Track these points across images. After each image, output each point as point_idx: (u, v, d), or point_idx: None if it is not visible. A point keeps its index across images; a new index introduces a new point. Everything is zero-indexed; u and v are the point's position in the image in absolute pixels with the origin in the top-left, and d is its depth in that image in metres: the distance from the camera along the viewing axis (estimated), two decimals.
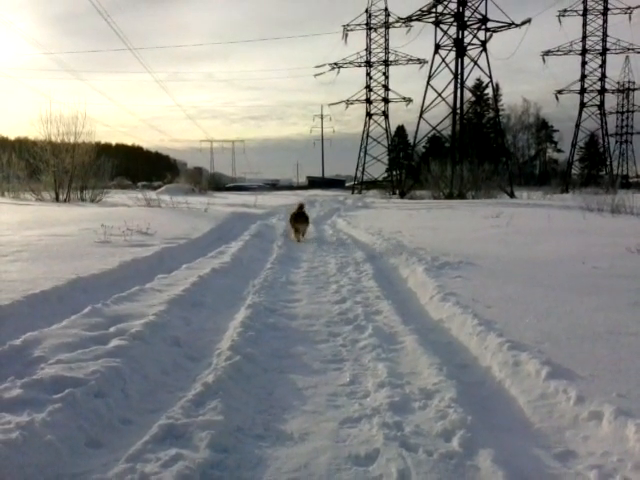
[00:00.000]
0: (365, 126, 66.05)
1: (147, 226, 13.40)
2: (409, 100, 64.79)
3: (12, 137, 51.35)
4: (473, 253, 10.51)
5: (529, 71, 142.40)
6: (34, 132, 32.17)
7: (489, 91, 61.48)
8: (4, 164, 31.87)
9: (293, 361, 5.27)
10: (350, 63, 65.18)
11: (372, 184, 67.45)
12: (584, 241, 12.40)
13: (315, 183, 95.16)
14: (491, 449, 3.31)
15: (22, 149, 32.15)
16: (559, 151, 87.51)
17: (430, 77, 49.56)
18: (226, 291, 8.08)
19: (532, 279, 8.13)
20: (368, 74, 65.86)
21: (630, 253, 10.11)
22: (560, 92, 65.36)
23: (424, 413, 3.95)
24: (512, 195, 44.39)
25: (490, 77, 49.30)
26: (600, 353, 4.82)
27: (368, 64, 65.32)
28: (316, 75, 65.00)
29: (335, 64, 64.45)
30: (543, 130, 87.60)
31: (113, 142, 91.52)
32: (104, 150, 35.74)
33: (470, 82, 55.38)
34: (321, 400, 4.28)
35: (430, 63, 50.49)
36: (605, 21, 62.18)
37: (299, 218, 14.97)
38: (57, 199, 30.08)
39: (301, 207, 15.33)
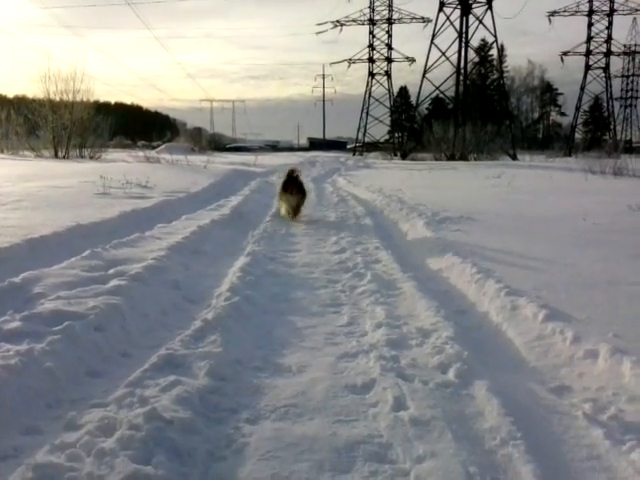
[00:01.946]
0: (367, 86, 65.25)
1: (146, 180, 13.36)
2: (412, 60, 63.75)
3: (10, 95, 50.83)
4: (474, 210, 10.48)
5: (534, 33, 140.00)
6: (33, 90, 31.88)
7: (494, 52, 60.39)
8: (3, 121, 31.57)
9: (292, 304, 5.29)
10: (353, 21, 63.98)
11: (374, 146, 66.93)
12: (585, 200, 12.36)
13: (316, 145, 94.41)
14: (486, 381, 3.35)
15: (21, 106, 31.84)
16: (563, 115, 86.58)
17: (434, 36, 48.81)
18: (225, 241, 8.08)
19: (532, 233, 8.12)
20: (371, 32, 64.71)
21: (631, 211, 10.08)
22: (565, 54, 64.34)
23: (421, 349, 3.98)
24: (514, 158, 44.12)
25: (495, 37, 48.50)
26: (598, 300, 4.84)
27: (371, 22, 64.10)
28: (318, 33, 63.86)
29: (337, 22, 63.28)
30: (547, 93, 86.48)
31: (112, 101, 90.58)
32: (103, 108, 35.40)
33: (475, 42, 54.38)
34: (319, 338, 4.32)
35: (434, 21, 49.67)
36: None
37: (290, 187, 10.48)
38: (56, 156, 29.90)
39: (292, 172, 10.88)
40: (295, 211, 10.60)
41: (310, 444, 2.72)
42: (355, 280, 6.05)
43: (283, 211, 10.77)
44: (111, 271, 5.34)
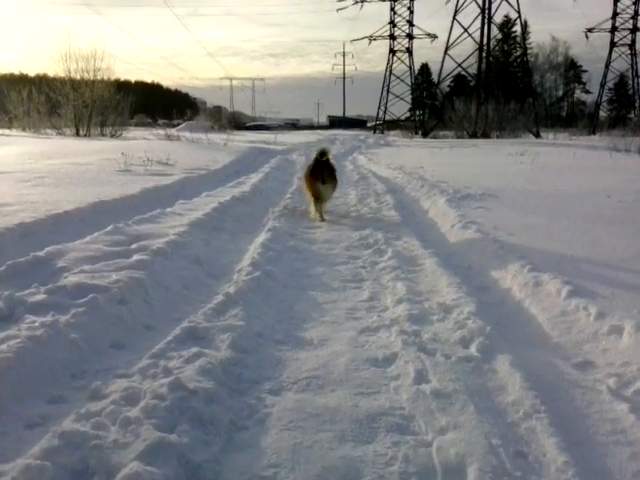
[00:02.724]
0: (388, 63, 64.60)
1: (167, 157, 13.41)
2: (434, 36, 62.89)
3: (32, 74, 51.08)
4: (496, 187, 10.36)
5: (559, 9, 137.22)
6: (53, 68, 32.05)
7: (517, 28, 59.53)
8: (24, 99, 31.73)
9: (313, 280, 5.29)
10: None
11: (394, 124, 66.41)
12: (610, 178, 12.16)
13: (336, 123, 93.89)
14: (509, 355, 3.33)
15: (42, 85, 32.00)
16: (587, 92, 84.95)
17: (456, 12, 48.11)
18: (246, 217, 8.09)
19: (556, 211, 8.01)
20: (392, 9, 63.83)
21: None
22: (590, 30, 62.88)
23: (443, 324, 3.97)
24: (538, 135, 43.51)
25: (519, 13, 47.70)
26: (622, 276, 4.77)
27: None
28: (338, 10, 63.44)
29: None
30: (572, 70, 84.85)
31: (132, 79, 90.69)
32: (123, 87, 35.43)
33: (498, 19, 53.46)
34: (340, 313, 4.32)
35: None
36: None
37: (321, 172, 8.20)
38: (77, 134, 30.07)
39: (323, 154, 8.51)
40: (325, 204, 8.44)
41: (332, 415, 2.73)
42: (376, 256, 6.04)
43: (313, 210, 8.33)
44: (134, 246, 5.37)
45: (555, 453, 2.39)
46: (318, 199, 8.22)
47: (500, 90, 47.91)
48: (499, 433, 2.53)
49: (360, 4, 62.86)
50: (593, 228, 6.72)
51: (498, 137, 39.80)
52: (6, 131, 29.60)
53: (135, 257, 4.96)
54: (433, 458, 2.39)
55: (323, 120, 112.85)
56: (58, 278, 4.31)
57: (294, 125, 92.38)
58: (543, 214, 7.72)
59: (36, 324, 3.40)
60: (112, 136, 29.84)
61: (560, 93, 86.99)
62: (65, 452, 2.28)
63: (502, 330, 3.92)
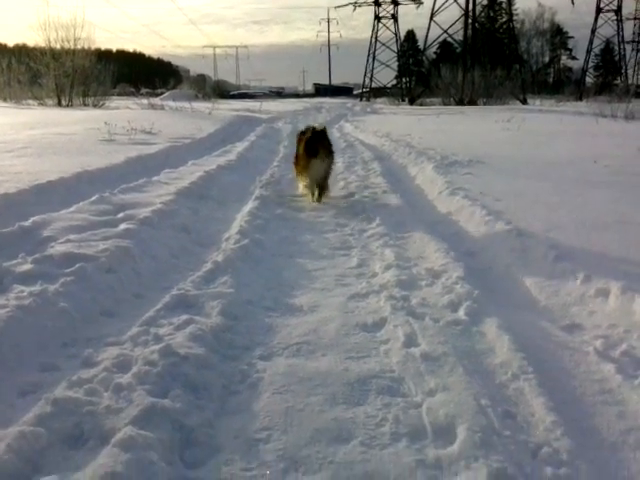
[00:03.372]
0: (373, 30, 63.73)
1: (151, 126, 13.27)
2: (419, 2, 61.90)
3: (11, 44, 49.93)
4: (483, 153, 10.36)
5: None
6: (33, 38, 31.41)
7: None
8: (4, 69, 31.16)
9: (301, 247, 5.29)
10: None
11: (381, 91, 65.87)
12: (596, 143, 12.21)
13: (322, 91, 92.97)
14: (497, 319, 3.36)
15: (22, 55, 31.38)
16: (574, 59, 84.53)
17: None
18: (233, 186, 8.04)
19: (542, 176, 8.04)
20: None
21: None
22: None
23: (431, 289, 4.00)
24: (524, 102, 43.39)
25: None
26: (608, 240, 4.81)
27: None
28: None
29: None
30: (558, 36, 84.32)
31: (114, 48, 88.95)
32: (105, 56, 34.84)
33: None
34: (329, 280, 4.33)
35: None
36: None
37: (317, 148, 6.89)
38: (59, 104, 29.61)
39: (317, 129, 7.16)
40: (322, 187, 7.12)
41: (323, 379, 2.76)
42: (364, 224, 6.04)
43: (303, 188, 7.24)
44: (120, 215, 5.34)
45: (543, 413, 2.43)
46: (310, 176, 6.92)
47: (486, 57, 47.58)
48: (488, 394, 2.57)
49: None
50: (580, 193, 6.76)
51: (485, 104, 39.66)
52: None
53: (122, 226, 4.93)
54: (423, 419, 2.43)
55: (309, 88, 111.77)
56: (45, 248, 4.28)
57: (279, 93, 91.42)
58: (530, 180, 7.75)
59: (24, 293, 3.39)
60: (95, 106, 29.39)
61: (546, 59, 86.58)
62: (59, 418, 2.29)
63: (490, 294, 3.96)
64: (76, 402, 2.40)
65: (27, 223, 4.80)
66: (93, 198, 5.89)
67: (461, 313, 3.50)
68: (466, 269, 4.34)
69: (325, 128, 7.17)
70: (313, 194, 7.11)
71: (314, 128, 7.10)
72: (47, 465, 2.09)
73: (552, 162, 9.33)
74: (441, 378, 2.71)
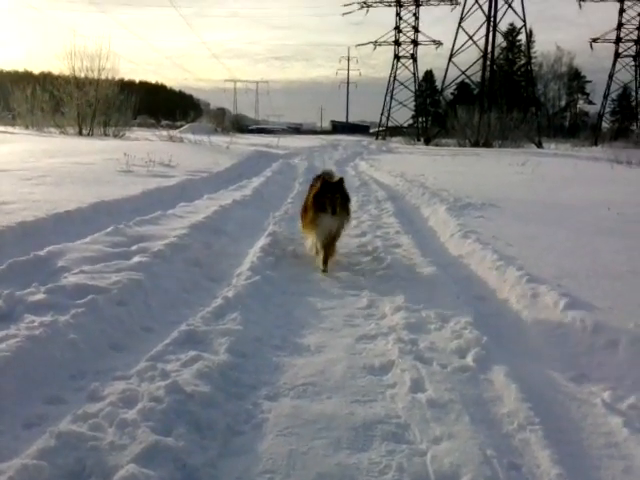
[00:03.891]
0: (392, 69, 64.62)
1: (169, 159, 13.45)
2: (439, 43, 62.94)
3: (36, 71, 51.16)
4: (496, 196, 10.39)
5: (564, 18, 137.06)
6: (58, 67, 32.13)
7: (522, 37, 59.60)
8: (28, 97, 31.83)
9: (311, 286, 5.32)
10: (380, 2, 63.23)
11: (397, 130, 66.48)
12: (610, 190, 12.19)
13: (339, 128, 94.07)
14: (505, 366, 3.34)
15: (46, 83, 32.09)
16: (590, 103, 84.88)
17: (462, 19, 48.25)
18: (247, 221, 8.10)
19: (555, 221, 8.04)
20: (398, 14, 63.88)
21: None
22: (595, 40, 62.87)
23: (440, 333, 3.99)
24: (540, 145, 43.61)
25: (524, 21, 47.86)
26: (620, 289, 4.79)
27: (398, 4, 63.23)
28: (344, 14, 63.28)
29: (364, 3, 62.57)
30: (575, 80, 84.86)
31: (137, 79, 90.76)
32: (127, 86, 35.50)
33: (503, 27, 53.64)
34: (338, 320, 4.34)
35: (462, 4, 49.00)
36: None
37: (331, 200, 5.75)
38: (80, 133, 30.13)
39: (327, 177, 6.09)
40: (329, 249, 5.94)
41: (328, 422, 2.75)
42: (375, 264, 6.06)
43: (311, 246, 6.18)
44: (134, 247, 5.39)
45: (549, 465, 2.41)
46: (319, 233, 5.81)
47: (503, 99, 48.00)
48: (493, 444, 2.55)
49: (366, 9, 63.02)
50: (592, 240, 6.75)
51: (500, 146, 39.86)
52: (9, 128, 29.70)
53: (135, 259, 4.98)
54: (427, 467, 2.41)
55: (326, 125, 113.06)
56: (58, 278, 4.33)
57: (297, 129, 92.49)
58: (543, 225, 7.75)
59: (35, 324, 3.42)
60: (115, 136, 29.89)
61: (563, 103, 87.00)
62: (62, 453, 2.30)
63: (499, 341, 3.94)
64: (80, 437, 2.41)
65: (42, 252, 4.87)
66: (108, 229, 5.96)
67: (469, 359, 3.49)
68: (475, 314, 4.34)
69: (342, 180, 5.89)
70: (317, 255, 5.98)
71: (329, 176, 6.01)
72: None
73: (565, 207, 9.34)
74: (447, 426, 2.70)
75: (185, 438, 2.44)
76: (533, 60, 64.20)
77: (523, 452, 2.55)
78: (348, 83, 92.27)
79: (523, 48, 64.46)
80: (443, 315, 4.36)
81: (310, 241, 6.10)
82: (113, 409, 2.65)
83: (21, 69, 62.55)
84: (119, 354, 3.49)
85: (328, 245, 5.87)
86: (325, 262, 5.87)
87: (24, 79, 36.23)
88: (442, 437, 2.61)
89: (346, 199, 5.96)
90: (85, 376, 3.14)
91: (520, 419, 2.78)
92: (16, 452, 2.32)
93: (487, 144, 40.23)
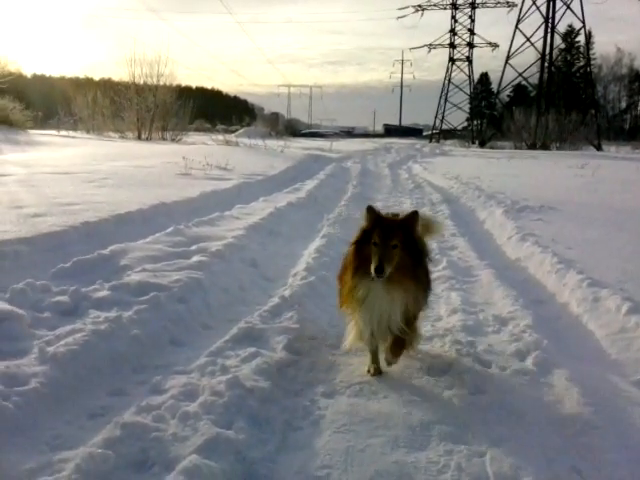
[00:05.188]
0: (447, 72, 64.11)
1: (226, 162, 13.67)
2: (495, 45, 62.12)
3: (96, 78, 52.86)
4: (555, 199, 10.16)
5: (624, 19, 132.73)
6: (118, 73, 33.21)
7: (580, 39, 57.95)
8: (89, 102, 32.94)
9: None
10: (435, 5, 62.83)
11: (451, 133, 65.79)
12: None
13: (391, 131, 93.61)
14: (566, 370, 3.27)
15: (107, 89, 33.13)
16: None
17: (519, 21, 47.38)
18: (301, 223, 8.17)
19: (617, 225, 7.81)
20: (453, 17, 63.42)
21: None
22: None
23: (498, 336, 3.93)
24: (599, 148, 42.34)
25: (583, 22, 46.57)
26: None
27: (454, 6, 62.75)
28: (398, 18, 63.14)
29: (419, 6, 62.30)
30: (636, 82, 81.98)
31: (193, 85, 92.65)
32: (184, 92, 36.29)
33: (561, 28, 52.37)
34: None
35: (519, 6, 48.11)
36: None
37: (378, 246, 3.10)
38: (139, 137, 30.95)
39: (374, 216, 3.23)
40: (398, 340, 3.27)
41: (385, 420, 2.75)
42: (430, 266, 5.99)
43: (354, 338, 3.41)
44: (193, 247, 5.51)
45: (610, 469, 2.35)
46: (370, 322, 3.24)
47: (561, 101, 46.87)
48: (554, 447, 2.50)
49: (421, 12, 62.70)
50: None
51: (558, 149, 38.95)
52: (71, 133, 30.74)
53: (194, 258, 5.09)
54: (487, 468, 2.38)
55: (379, 128, 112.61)
56: (121, 276, 4.47)
57: (349, 133, 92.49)
58: (603, 228, 7.54)
59: (100, 319, 3.55)
60: (172, 140, 30.57)
61: (623, 105, 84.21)
62: (126, 442, 2.38)
63: (559, 344, 3.85)
64: (144, 428, 2.49)
65: (106, 251, 5.03)
66: (169, 230, 6.11)
67: (529, 363, 3.43)
68: (535, 317, 4.26)
69: (415, 215, 3.26)
70: (373, 354, 3.39)
71: (388, 218, 3.31)
72: None
73: (627, 211, 9.06)
74: (507, 428, 2.66)
75: (245, 432, 2.49)
76: (592, 62, 62.40)
77: (586, 456, 2.49)
78: (402, 86, 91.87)
79: (582, 49, 62.74)
80: (501, 318, 4.29)
81: (352, 328, 3.38)
82: (175, 402, 2.72)
83: (82, 75, 64.74)
84: (180, 349, 3.58)
85: (386, 335, 3.24)
86: (390, 360, 3.31)
87: (85, 85, 37.53)
88: (501, 439, 2.57)
89: (418, 252, 3.26)
90: (147, 370, 3.24)
91: (582, 422, 2.72)
92: (82, 441, 2.42)
93: (544, 146, 39.37)
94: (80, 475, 2.15)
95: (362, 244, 3.17)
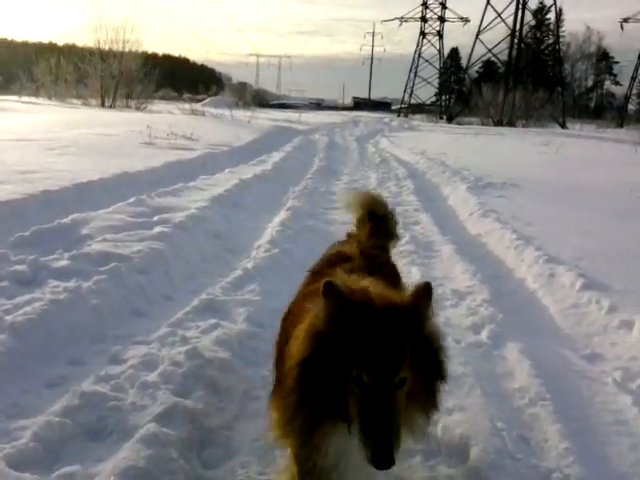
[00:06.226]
0: (417, 46, 63.81)
1: (191, 132, 13.49)
2: (466, 20, 61.84)
3: (60, 43, 51.32)
4: (518, 176, 10.32)
5: None
6: (82, 39, 32.34)
7: (551, 16, 58.32)
8: (52, 68, 32.06)
9: None
10: None
11: (419, 108, 65.80)
12: (634, 172, 12.05)
13: (360, 105, 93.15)
14: (519, 343, 3.38)
15: (70, 54, 32.28)
16: (617, 84, 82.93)
17: None
18: (266, 195, 8.15)
19: (576, 203, 8.00)
20: None
21: None
22: (626, 20, 61.20)
23: (455, 310, 4.03)
24: (564, 126, 42.95)
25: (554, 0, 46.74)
26: (636, 272, 4.80)
27: None
28: None
29: None
30: (603, 61, 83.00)
31: (160, 52, 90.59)
32: (151, 59, 35.54)
33: (532, 5, 52.51)
34: None
35: None
36: None
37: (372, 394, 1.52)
38: (103, 105, 30.29)
39: (342, 306, 1.57)
40: None
41: None
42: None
43: None
44: (155, 218, 5.48)
45: (557, 439, 2.46)
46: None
47: (529, 78, 47.28)
48: (504, 417, 2.60)
49: None
50: (611, 222, 6.71)
51: (524, 126, 39.39)
52: (33, 99, 29.89)
53: (157, 229, 5.07)
54: (438, 436, 2.46)
55: (348, 101, 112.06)
56: (82, 245, 4.43)
57: (318, 105, 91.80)
58: (563, 206, 7.71)
59: (59, 289, 3.53)
60: (137, 108, 30.00)
61: (590, 83, 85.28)
62: (85, 411, 2.40)
63: (514, 319, 3.97)
64: (102, 397, 2.51)
65: (66, 220, 4.97)
66: (131, 200, 6.05)
67: (483, 336, 3.53)
68: (492, 292, 4.37)
69: (428, 292, 1.66)
70: None
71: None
72: (70, 456, 2.18)
73: (587, 189, 9.26)
74: (459, 399, 2.75)
75: (204, 401, 2.53)
76: (561, 39, 62.94)
77: (533, 426, 2.59)
78: (372, 59, 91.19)
79: (552, 27, 63.18)
80: (459, 292, 4.39)
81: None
82: (134, 372, 2.74)
83: (45, 41, 62.86)
84: (140, 320, 3.58)
85: None
86: None
87: (49, 51, 36.47)
88: (453, 409, 2.66)
89: (434, 369, 1.70)
90: (106, 340, 3.24)
91: (531, 394, 2.83)
92: (40, 410, 2.42)
93: (511, 123, 39.79)
94: (37, 443, 2.16)
95: (316, 368, 1.58)
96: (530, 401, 2.78)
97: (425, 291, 1.62)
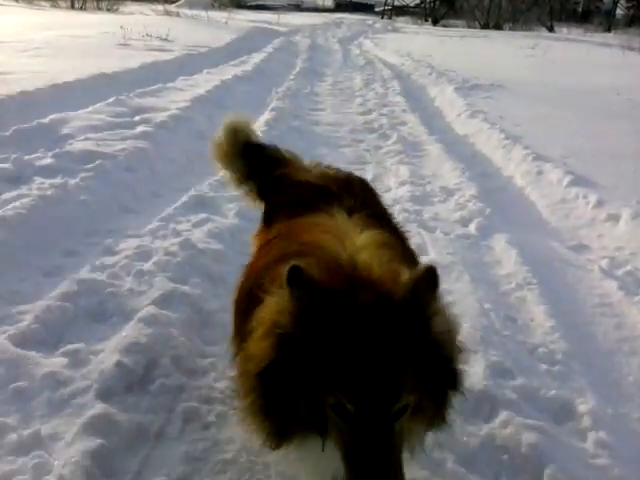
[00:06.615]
0: None
1: (167, 33, 12.97)
2: None
3: None
4: (506, 78, 10.15)
5: None
6: None
7: None
8: None
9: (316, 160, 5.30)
10: None
11: (403, 10, 63.59)
12: (621, 75, 11.89)
13: (342, 6, 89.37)
14: (506, 235, 3.44)
15: None
16: None
17: None
18: (249, 96, 7.94)
19: (564, 104, 7.92)
20: None
21: None
22: None
23: (444, 205, 4.06)
24: (551, 29, 41.89)
25: None
26: (624, 169, 4.84)
27: None
28: None
29: None
30: None
31: None
32: None
33: None
34: None
35: None
36: None
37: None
38: (72, 6, 28.78)
39: (311, 298, 1.15)
40: None
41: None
42: (380, 140, 6.02)
43: None
44: (136, 118, 5.36)
45: (543, 319, 2.54)
46: None
47: None
48: (491, 300, 2.68)
49: None
50: (599, 122, 6.70)
51: (510, 29, 38.39)
52: None
53: (139, 129, 4.97)
54: None
55: (328, 3, 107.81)
56: (64, 144, 4.34)
57: (298, 6, 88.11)
58: (551, 107, 7.64)
59: (46, 185, 3.49)
60: (108, 10, 28.53)
61: None
62: (84, 296, 2.43)
63: (502, 213, 4.02)
64: (100, 284, 2.53)
65: (45, 120, 4.84)
66: (110, 100, 5.89)
67: (472, 228, 3.58)
68: (480, 189, 4.39)
69: (433, 277, 1.26)
70: None
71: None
72: (73, 336, 2.22)
73: (575, 91, 9.16)
74: (448, 284, 2.80)
75: (200, 287, 2.56)
76: None
77: (519, 308, 2.68)
78: None
79: None
80: (447, 189, 4.41)
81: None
82: (129, 261, 2.76)
83: None
84: (130, 215, 3.57)
85: None
86: None
87: None
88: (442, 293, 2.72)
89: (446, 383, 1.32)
90: (99, 233, 3.23)
91: (518, 279, 2.90)
92: (39, 296, 2.45)
93: (497, 26, 38.72)
94: (39, 325, 2.20)
95: (280, 380, 1.21)
96: (517, 285, 2.86)
97: (428, 279, 1.19)
